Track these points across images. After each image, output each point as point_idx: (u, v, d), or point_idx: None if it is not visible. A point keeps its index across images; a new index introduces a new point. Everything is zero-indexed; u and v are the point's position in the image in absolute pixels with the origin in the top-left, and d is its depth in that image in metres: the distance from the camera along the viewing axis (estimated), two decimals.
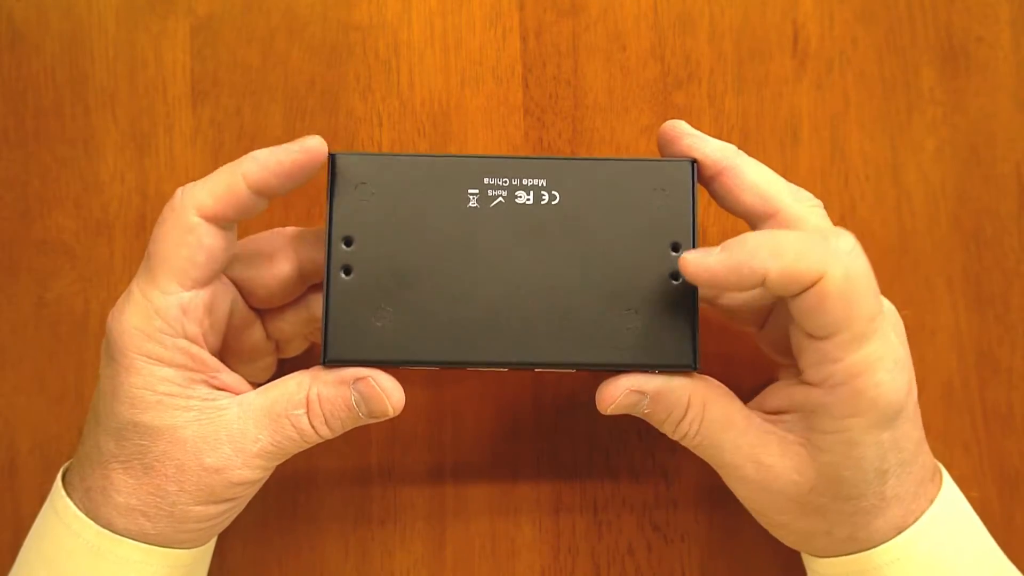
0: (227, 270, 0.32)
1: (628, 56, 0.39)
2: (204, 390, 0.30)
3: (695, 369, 0.30)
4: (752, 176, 0.30)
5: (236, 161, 0.29)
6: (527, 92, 0.39)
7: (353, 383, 0.30)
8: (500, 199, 0.31)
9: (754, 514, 0.32)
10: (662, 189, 0.31)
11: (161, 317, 0.29)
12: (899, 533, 0.29)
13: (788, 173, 0.38)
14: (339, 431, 0.31)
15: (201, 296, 0.30)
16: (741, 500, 0.32)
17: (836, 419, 0.28)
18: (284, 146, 0.29)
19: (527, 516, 0.38)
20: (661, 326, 0.30)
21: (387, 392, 0.30)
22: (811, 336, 0.28)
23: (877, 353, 0.27)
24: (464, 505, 0.38)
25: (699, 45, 0.39)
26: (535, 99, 0.39)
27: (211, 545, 0.33)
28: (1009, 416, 0.38)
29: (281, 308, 0.34)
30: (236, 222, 0.30)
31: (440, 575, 0.38)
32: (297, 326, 0.34)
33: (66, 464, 0.32)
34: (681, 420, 0.30)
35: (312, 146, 0.29)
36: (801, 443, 0.29)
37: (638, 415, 0.31)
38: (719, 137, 0.38)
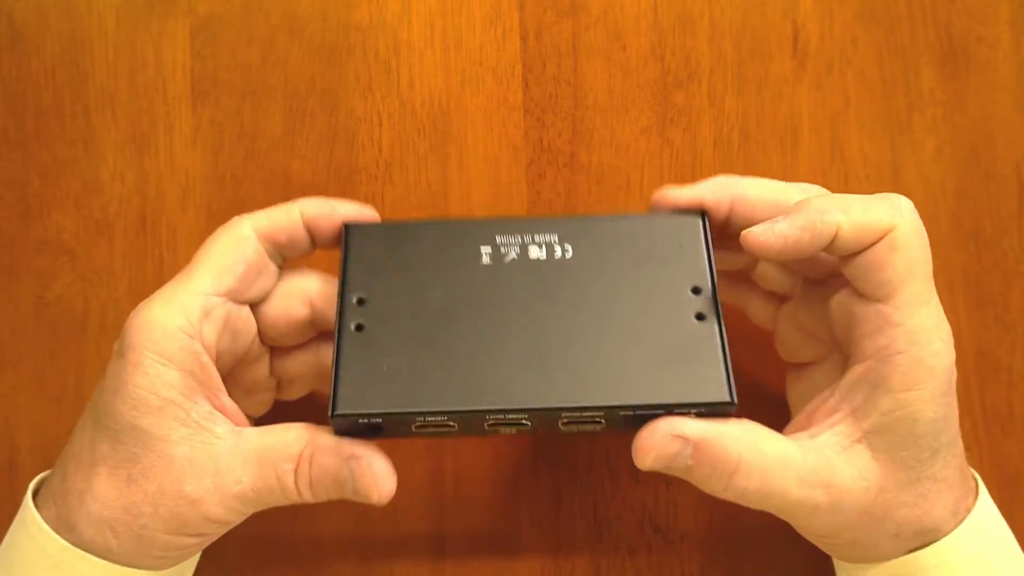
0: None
1: (628, 56, 0.39)
2: (205, 407, 0.29)
3: (734, 404, 0.28)
4: (756, 193, 0.30)
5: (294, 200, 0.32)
6: (527, 92, 0.39)
7: (347, 458, 0.28)
8: (513, 255, 0.31)
9: (819, 540, 0.30)
10: (677, 242, 0.31)
11: (183, 313, 0.29)
12: (955, 519, 0.29)
13: (788, 173, 0.38)
14: (322, 498, 0.29)
15: (226, 307, 0.30)
16: (808, 532, 0.30)
17: (896, 393, 0.27)
18: (343, 201, 0.32)
19: (527, 516, 0.38)
20: (691, 365, 0.29)
21: (376, 479, 0.28)
22: (871, 299, 0.28)
23: (933, 320, 0.28)
24: (464, 505, 0.38)
25: (699, 45, 0.39)
26: (535, 99, 0.39)
27: (187, 566, 0.33)
28: (1009, 416, 0.38)
29: (289, 348, 0.34)
30: (281, 259, 0.32)
31: (440, 574, 0.38)
32: (303, 368, 0.34)
33: (39, 476, 0.31)
34: (734, 474, 0.27)
35: (368, 213, 0.32)
36: (858, 439, 0.28)
37: (679, 473, 0.28)
38: (719, 137, 0.39)
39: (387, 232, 0.32)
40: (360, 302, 0.30)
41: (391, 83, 0.39)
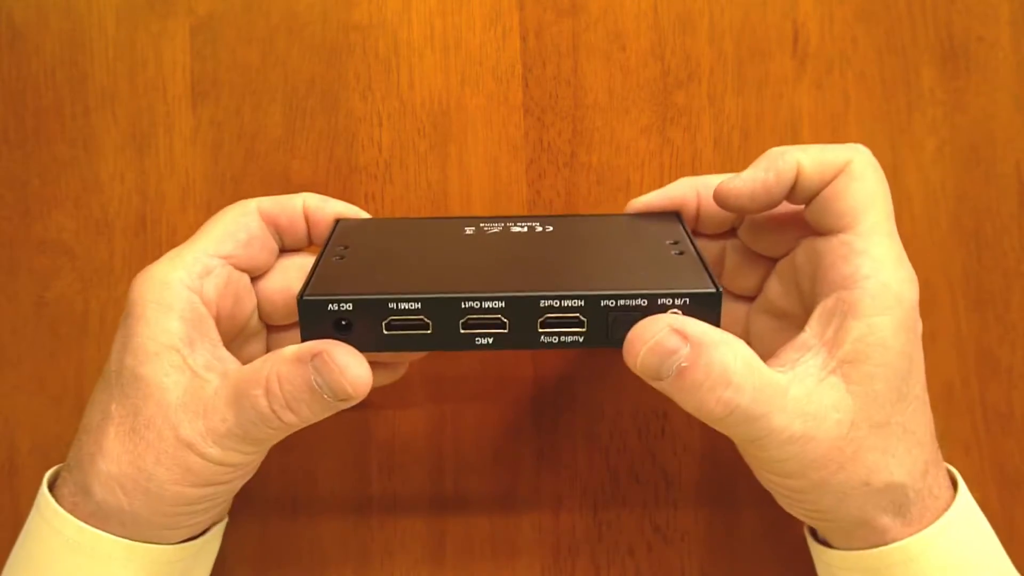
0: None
1: (628, 56, 0.39)
2: (204, 356, 0.29)
3: (719, 294, 0.27)
4: (717, 179, 0.31)
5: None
6: (527, 92, 0.39)
7: (311, 359, 0.27)
8: (496, 230, 0.32)
9: (785, 485, 0.29)
10: (655, 225, 0.32)
11: (184, 268, 0.30)
12: (924, 482, 0.29)
13: None
14: (310, 416, 0.28)
15: (227, 269, 0.31)
16: (774, 472, 0.29)
17: (866, 317, 0.28)
18: (340, 201, 0.33)
19: (527, 516, 0.38)
20: (673, 270, 0.28)
21: (343, 368, 0.26)
22: (836, 231, 0.29)
23: (896, 252, 0.29)
24: (464, 505, 0.38)
25: (699, 45, 0.39)
26: (535, 99, 0.39)
27: (205, 551, 0.33)
28: (1009, 416, 0.38)
29: (285, 328, 0.35)
30: (281, 242, 0.33)
31: (440, 575, 0.38)
32: None
33: (53, 468, 0.32)
34: (726, 387, 0.26)
35: (361, 213, 0.34)
36: (832, 371, 0.28)
37: (665, 380, 0.26)
38: (719, 137, 0.39)
39: (374, 223, 0.33)
40: (343, 247, 0.31)
41: (391, 83, 0.39)
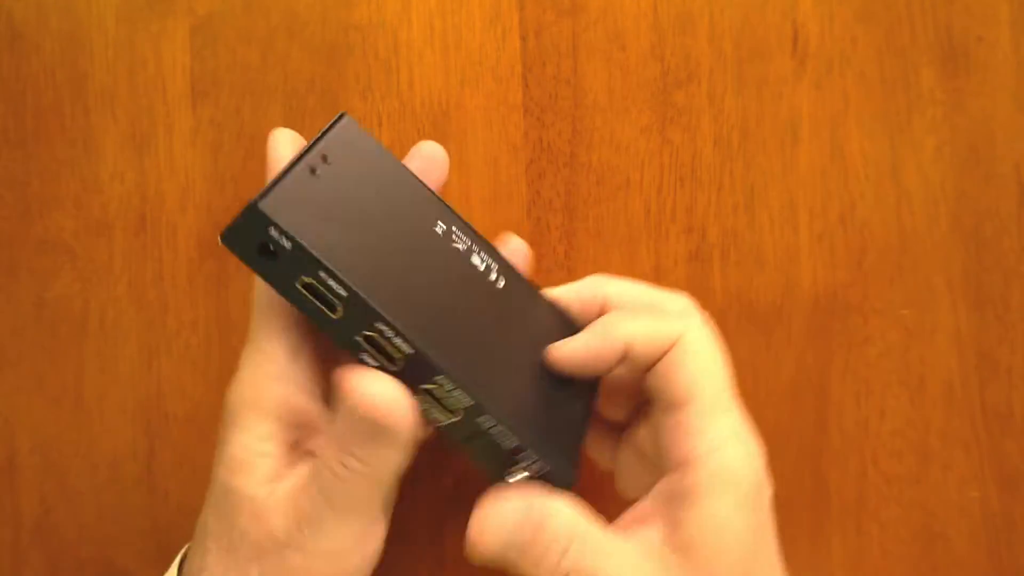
0: None
1: (628, 56, 0.39)
2: (302, 466, 0.28)
3: (572, 483, 0.29)
4: (629, 286, 0.32)
5: None
6: (527, 92, 0.39)
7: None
8: (461, 247, 0.31)
9: None
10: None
11: (269, 360, 0.28)
12: None
13: (788, 173, 0.38)
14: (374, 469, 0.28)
15: (308, 342, 0.29)
16: None
17: (704, 501, 0.27)
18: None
19: None
20: (556, 429, 0.30)
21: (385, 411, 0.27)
22: (673, 408, 0.28)
23: (733, 429, 0.28)
24: (464, 505, 0.38)
25: (699, 45, 0.39)
26: (535, 99, 0.39)
27: None
28: (1009, 416, 0.38)
29: None
30: None
31: (440, 575, 0.38)
32: None
33: (183, 549, 0.31)
34: (566, 551, 0.27)
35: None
36: (673, 549, 0.27)
37: (511, 557, 0.28)
38: (719, 137, 0.39)
39: (368, 152, 0.31)
40: (322, 159, 0.28)
41: (391, 83, 0.39)
